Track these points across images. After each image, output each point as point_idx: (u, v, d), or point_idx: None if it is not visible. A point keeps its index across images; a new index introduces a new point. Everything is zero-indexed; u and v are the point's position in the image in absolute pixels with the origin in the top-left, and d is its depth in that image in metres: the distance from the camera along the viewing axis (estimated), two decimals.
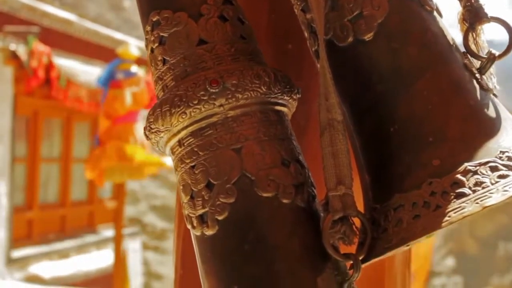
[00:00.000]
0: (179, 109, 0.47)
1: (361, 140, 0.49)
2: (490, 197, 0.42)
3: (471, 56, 0.49)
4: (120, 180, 5.22)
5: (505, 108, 0.49)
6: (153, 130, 0.50)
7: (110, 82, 4.96)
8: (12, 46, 5.71)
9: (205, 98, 0.47)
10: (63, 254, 7.24)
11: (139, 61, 5.41)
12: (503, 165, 0.43)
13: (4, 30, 5.85)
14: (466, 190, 0.43)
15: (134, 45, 5.42)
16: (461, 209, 0.42)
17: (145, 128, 0.51)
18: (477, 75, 0.49)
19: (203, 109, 0.47)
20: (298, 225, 0.46)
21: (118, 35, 8.06)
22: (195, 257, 0.49)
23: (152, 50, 0.51)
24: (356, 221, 0.46)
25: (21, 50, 5.67)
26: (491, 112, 0.47)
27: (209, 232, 0.47)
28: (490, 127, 0.46)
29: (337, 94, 0.47)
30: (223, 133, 0.47)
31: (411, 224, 0.44)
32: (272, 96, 0.49)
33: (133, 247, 8.45)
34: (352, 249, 0.46)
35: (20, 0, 6.33)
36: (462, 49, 0.50)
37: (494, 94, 0.49)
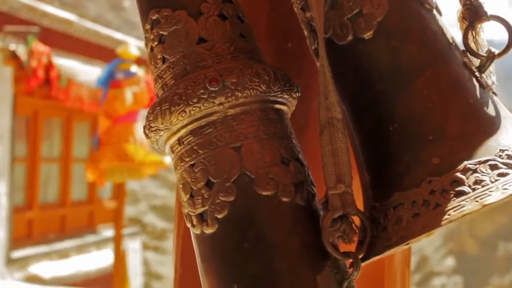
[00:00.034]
0: (178, 108, 0.47)
1: (361, 139, 0.49)
2: (489, 195, 0.42)
3: (471, 54, 0.49)
4: (120, 180, 5.22)
5: (504, 107, 0.49)
6: (152, 129, 0.50)
7: (110, 82, 4.97)
8: (12, 46, 5.71)
9: (204, 96, 0.47)
10: (63, 254, 7.24)
11: (139, 61, 5.41)
12: (503, 163, 0.43)
13: (4, 30, 5.86)
14: (465, 188, 0.43)
15: (134, 45, 5.43)
16: (461, 207, 0.42)
17: (144, 127, 0.51)
18: (477, 74, 0.49)
19: (202, 108, 0.47)
20: (298, 223, 0.46)
21: (118, 35, 8.06)
22: (195, 256, 0.49)
23: (151, 49, 0.51)
24: (356, 220, 0.46)
25: (21, 50, 5.67)
26: (490, 111, 0.47)
27: (208, 231, 0.47)
28: (490, 126, 0.46)
29: (336, 93, 0.47)
30: (223, 131, 0.47)
31: (410, 222, 0.44)
32: (271, 94, 0.49)
33: (133, 247, 8.45)
34: (352, 247, 0.46)
35: (20, 0, 6.33)
36: (462, 47, 0.50)
37: (493, 93, 0.49)
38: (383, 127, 0.47)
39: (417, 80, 0.47)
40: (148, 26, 0.51)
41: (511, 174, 0.42)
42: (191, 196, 0.48)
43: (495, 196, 0.42)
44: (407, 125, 0.46)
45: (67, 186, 7.83)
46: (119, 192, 5.85)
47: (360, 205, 0.47)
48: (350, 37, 0.49)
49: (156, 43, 0.51)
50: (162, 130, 0.49)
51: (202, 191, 0.47)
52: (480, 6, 0.49)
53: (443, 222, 0.42)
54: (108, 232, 8.03)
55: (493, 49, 0.49)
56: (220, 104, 0.47)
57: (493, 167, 0.43)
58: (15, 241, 6.52)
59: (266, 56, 0.53)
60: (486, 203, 0.42)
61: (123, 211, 5.76)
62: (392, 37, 0.48)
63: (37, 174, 7.18)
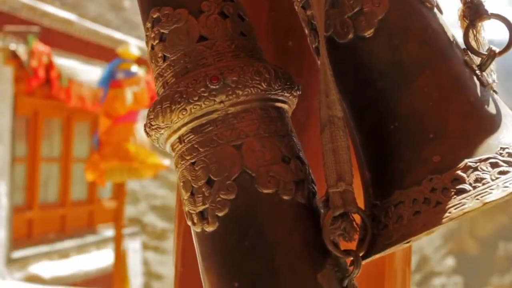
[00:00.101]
0: (179, 106, 0.47)
1: (362, 137, 0.49)
2: (490, 193, 0.42)
3: (472, 52, 0.49)
4: (120, 180, 5.22)
5: (505, 105, 0.49)
6: (153, 127, 0.50)
7: (110, 81, 4.96)
8: (12, 46, 5.71)
9: (205, 94, 0.47)
10: (63, 254, 7.24)
11: (139, 61, 5.41)
12: (504, 161, 0.43)
13: (4, 29, 5.86)
14: (466, 186, 0.43)
15: (134, 45, 5.43)
16: (462, 205, 0.42)
17: (145, 125, 0.51)
18: (478, 72, 0.49)
19: (203, 106, 0.47)
20: (299, 221, 0.46)
21: (118, 35, 8.06)
22: (195, 255, 0.49)
23: (152, 47, 0.51)
24: (357, 218, 0.46)
25: (21, 50, 5.67)
26: (491, 109, 0.47)
27: (209, 229, 0.47)
28: (491, 124, 0.46)
29: (337, 91, 0.47)
30: (224, 129, 0.47)
31: (411, 220, 0.44)
32: (272, 92, 0.49)
33: (133, 247, 8.45)
34: (353, 245, 0.46)
35: (20, 0, 6.33)
36: (463, 45, 0.50)
37: (494, 91, 0.49)
38: (384, 125, 0.47)
39: (418, 78, 0.47)
40: (149, 25, 0.51)
41: None
42: (192, 194, 0.48)
43: (496, 194, 0.42)
44: (408, 123, 0.46)
45: (67, 186, 7.83)
46: (119, 192, 5.85)
47: (360, 203, 0.47)
48: (351, 35, 0.49)
49: (157, 41, 0.51)
50: (163, 128, 0.49)
51: (203, 189, 0.47)
52: (480, 5, 0.49)
53: (443, 220, 0.42)
54: (108, 232, 8.03)
55: (493, 47, 0.49)
56: (221, 102, 0.47)
57: (494, 165, 0.43)
58: (15, 241, 6.52)
59: (266, 55, 0.53)
60: (486, 201, 0.42)
61: (123, 211, 5.76)
62: (393, 35, 0.48)
63: (37, 174, 7.18)
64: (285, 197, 0.46)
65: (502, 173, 0.43)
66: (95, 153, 5.01)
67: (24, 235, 6.92)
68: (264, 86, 0.48)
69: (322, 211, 0.47)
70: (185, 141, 0.48)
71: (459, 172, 0.44)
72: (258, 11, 0.63)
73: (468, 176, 0.43)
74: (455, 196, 0.43)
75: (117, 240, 5.36)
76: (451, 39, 0.49)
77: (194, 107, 0.47)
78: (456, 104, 0.46)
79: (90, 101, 6.50)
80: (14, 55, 5.71)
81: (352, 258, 0.46)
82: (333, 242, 0.45)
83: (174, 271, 0.69)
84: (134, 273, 8.01)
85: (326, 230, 0.45)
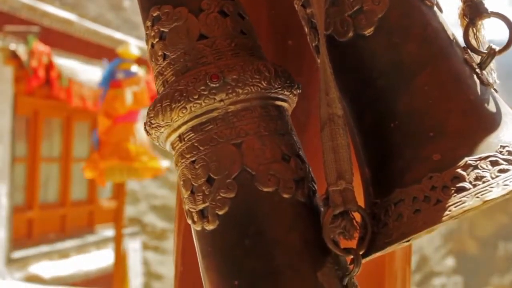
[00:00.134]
0: (179, 104, 0.47)
1: (362, 135, 0.49)
2: (490, 191, 0.42)
3: (472, 51, 0.49)
4: (120, 179, 5.22)
5: (505, 103, 0.49)
6: (153, 125, 0.50)
7: (110, 81, 4.97)
8: (12, 46, 5.71)
9: (205, 93, 0.47)
10: (63, 254, 7.24)
11: (139, 61, 5.41)
12: (504, 159, 0.43)
13: (4, 29, 5.86)
14: (466, 184, 0.43)
15: (134, 45, 5.43)
16: (462, 203, 0.42)
17: (145, 123, 0.51)
18: (478, 70, 0.49)
19: (203, 104, 0.47)
20: (299, 219, 0.46)
21: (118, 35, 8.06)
22: (196, 254, 0.49)
23: (152, 45, 0.51)
24: (357, 216, 0.46)
25: (21, 50, 5.67)
26: (491, 107, 0.47)
27: (209, 227, 0.47)
28: (491, 122, 0.46)
29: (337, 89, 0.47)
30: (224, 128, 0.47)
31: (411, 218, 0.44)
32: (272, 91, 0.49)
33: (133, 247, 8.45)
34: (353, 244, 0.46)
35: (20, 0, 6.33)
36: (463, 44, 0.50)
37: (494, 89, 0.49)
38: (384, 123, 0.47)
39: (418, 77, 0.47)
40: (149, 23, 0.51)
41: None
42: (192, 192, 0.48)
43: (496, 192, 0.42)
44: (408, 122, 0.46)
45: (67, 186, 7.82)
46: (119, 192, 5.85)
47: (361, 201, 0.47)
48: (351, 34, 0.49)
49: (157, 40, 0.51)
50: (162, 127, 0.49)
51: (203, 188, 0.47)
52: (480, 3, 0.49)
53: (444, 218, 0.42)
54: (108, 232, 8.03)
55: (493, 46, 0.49)
56: (221, 100, 0.47)
57: (494, 163, 0.43)
58: (15, 241, 6.52)
59: (266, 54, 0.53)
60: (487, 199, 0.42)
61: (123, 211, 5.76)
62: (393, 34, 0.48)
63: (37, 174, 7.18)
64: (285, 196, 0.46)
65: (502, 171, 0.43)
66: (95, 152, 5.01)
67: (24, 235, 6.92)
68: (264, 85, 0.48)
69: (322, 209, 0.46)
70: (185, 139, 0.48)
71: (459, 170, 0.44)
72: (258, 10, 0.63)
73: (468, 174, 0.43)
74: (455, 194, 0.43)
75: (117, 240, 5.36)
76: (451, 37, 0.49)
77: (194, 105, 0.47)
78: (456, 102, 0.46)
79: (91, 101, 6.50)
80: (14, 55, 5.71)
81: (352, 257, 0.46)
82: (333, 240, 0.45)
83: (174, 270, 0.69)
84: (134, 273, 8.00)
85: (326, 228, 0.45)
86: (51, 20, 6.84)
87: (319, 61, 0.49)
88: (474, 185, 0.43)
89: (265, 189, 0.46)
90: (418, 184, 0.45)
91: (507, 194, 0.42)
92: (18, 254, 6.51)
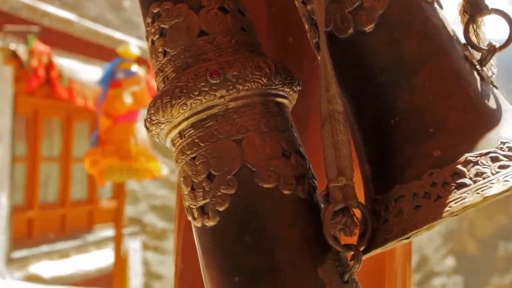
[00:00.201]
0: (179, 101, 0.47)
1: (362, 132, 0.49)
2: (491, 187, 0.42)
3: (472, 47, 0.49)
4: (120, 179, 5.22)
5: (505, 100, 0.49)
6: (153, 122, 0.50)
7: (110, 81, 4.96)
8: (12, 46, 5.71)
9: (206, 89, 0.47)
10: (63, 254, 7.24)
11: (140, 61, 5.41)
12: (504, 155, 0.43)
13: (4, 29, 5.85)
14: (466, 180, 0.43)
15: (134, 45, 5.43)
16: (462, 199, 0.42)
17: (145, 120, 0.51)
18: (478, 67, 0.49)
19: (204, 100, 0.47)
20: (299, 216, 0.46)
21: (118, 35, 8.06)
22: (196, 251, 0.49)
23: (152, 42, 0.51)
24: (357, 212, 0.46)
25: (21, 50, 5.67)
26: (491, 103, 0.47)
27: (209, 223, 0.47)
28: (491, 118, 0.46)
29: (338, 86, 0.47)
30: (224, 124, 0.47)
31: (411, 214, 0.44)
32: (273, 87, 0.49)
33: (133, 247, 8.45)
34: (353, 240, 0.46)
35: (20, 0, 6.33)
36: (463, 40, 0.50)
37: (494, 86, 0.49)
38: (384, 120, 0.47)
39: (418, 73, 0.47)
40: (149, 20, 0.51)
41: None
42: (192, 189, 0.48)
43: (496, 188, 0.42)
44: (408, 118, 0.46)
45: (67, 185, 7.82)
46: (119, 192, 5.85)
47: (361, 197, 0.47)
48: (351, 30, 0.49)
49: (157, 36, 0.51)
50: (163, 123, 0.49)
51: (203, 184, 0.47)
52: (481, 0, 0.49)
53: (444, 214, 0.42)
54: (108, 232, 8.03)
55: (494, 42, 0.49)
56: (221, 97, 0.47)
57: (494, 159, 0.43)
58: (15, 241, 6.52)
59: (266, 51, 0.53)
60: (487, 195, 0.42)
61: (123, 211, 5.76)
62: (393, 30, 0.48)
63: (37, 174, 7.18)
64: (286, 192, 0.46)
65: (502, 167, 0.43)
66: (94, 148, 4.99)
67: (24, 235, 6.92)
68: (265, 81, 0.48)
69: (322, 205, 0.46)
70: (186, 136, 0.48)
71: (459, 166, 0.44)
72: (258, 7, 0.63)
73: (468, 170, 0.43)
74: (455, 190, 0.43)
75: (117, 240, 5.36)
76: (452, 34, 0.49)
77: (195, 101, 0.47)
78: (457, 98, 0.46)
79: (92, 100, 6.50)
80: (14, 55, 5.71)
81: (352, 253, 0.46)
82: (334, 236, 0.45)
83: (174, 268, 0.69)
84: (134, 273, 8.01)
85: (327, 224, 0.45)
86: (51, 20, 6.84)
87: (319, 57, 0.49)
88: (475, 181, 0.43)
89: (266, 186, 0.46)
90: (419, 180, 0.45)
91: (507, 190, 0.42)
92: (18, 254, 6.51)
